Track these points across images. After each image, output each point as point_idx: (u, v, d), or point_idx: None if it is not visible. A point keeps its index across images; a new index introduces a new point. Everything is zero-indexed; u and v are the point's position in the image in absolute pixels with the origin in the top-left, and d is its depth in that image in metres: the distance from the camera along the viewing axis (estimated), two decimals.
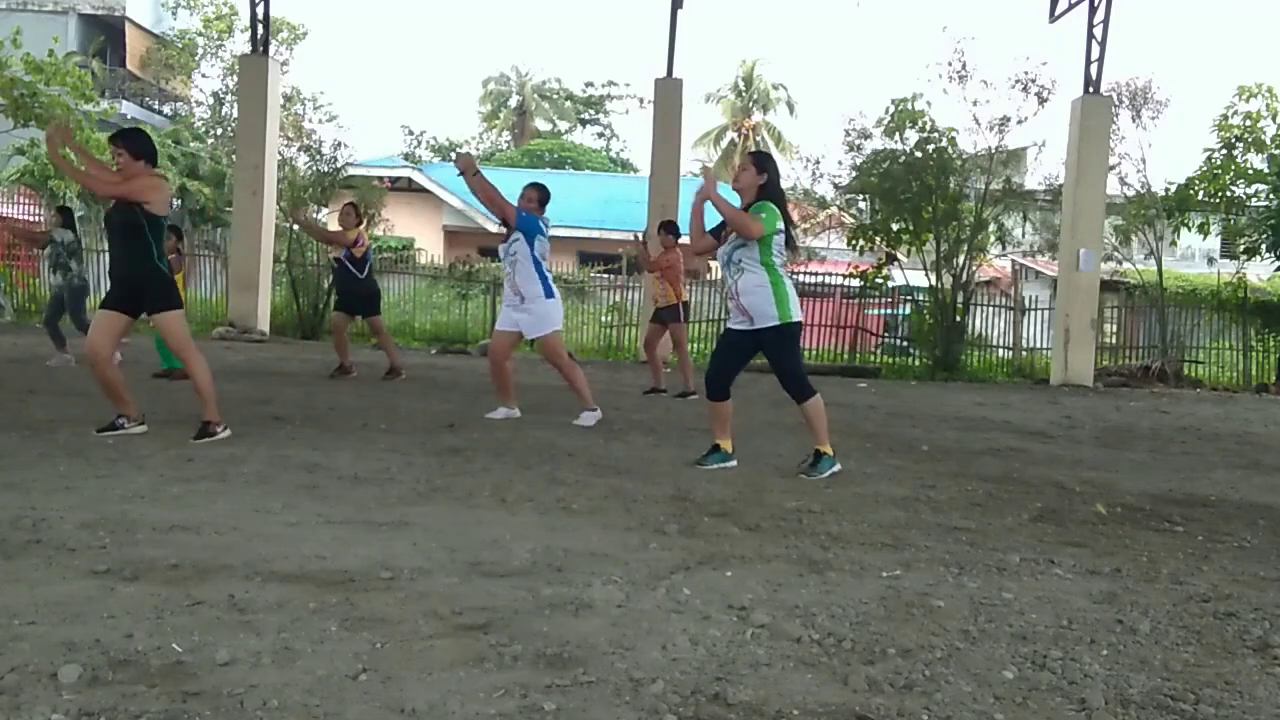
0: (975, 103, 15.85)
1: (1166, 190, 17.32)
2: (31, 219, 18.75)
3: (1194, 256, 25.72)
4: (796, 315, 5.19)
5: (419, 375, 10.44)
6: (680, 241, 9.83)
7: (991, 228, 16.82)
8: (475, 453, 5.33)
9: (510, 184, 8.24)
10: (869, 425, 7.96)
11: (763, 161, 5.30)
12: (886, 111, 16.12)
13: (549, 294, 6.82)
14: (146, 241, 5.27)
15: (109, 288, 5.51)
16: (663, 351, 10.27)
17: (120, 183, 5.31)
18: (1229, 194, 17.09)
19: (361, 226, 9.64)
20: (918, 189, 15.69)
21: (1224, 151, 17.00)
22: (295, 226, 16.66)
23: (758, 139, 38.13)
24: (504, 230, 6.96)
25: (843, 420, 8.27)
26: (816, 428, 5.25)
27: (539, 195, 6.95)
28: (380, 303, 9.97)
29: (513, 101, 45.71)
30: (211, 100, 26.82)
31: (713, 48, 64.54)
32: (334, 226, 11.09)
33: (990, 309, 18.69)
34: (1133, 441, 7.81)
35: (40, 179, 19.77)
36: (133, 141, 5.40)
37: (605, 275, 21.18)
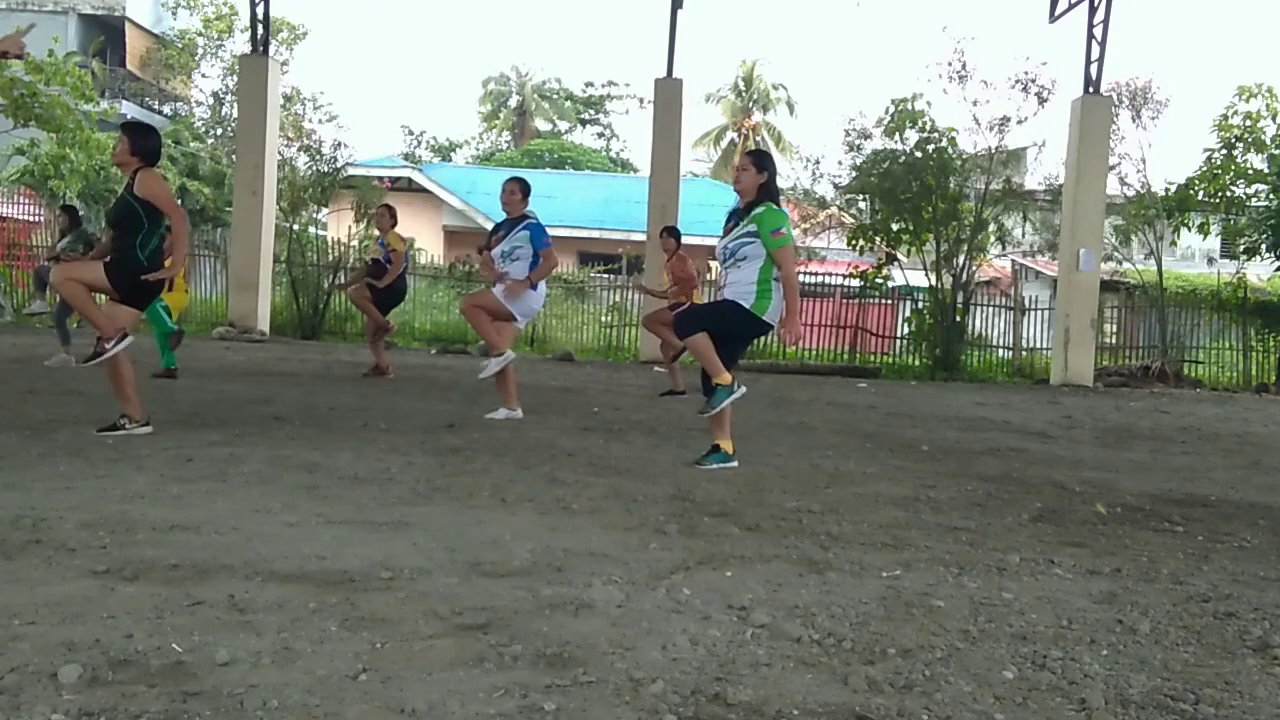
0: (975, 103, 15.88)
1: (1166, 190, 17.31)
2: (31, 219, 18.75)
3: (1194, 256, 25.71)
4: (768, 319, 5.16)
5: (419, 375, 10.45)
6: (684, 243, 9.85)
7: (991, 228, 16.82)
8: (475, 453, 5.33)
9: None
10: (869, 425, 7.96)
11: (762, 160, 5.31)
12: (886, 111, 16.14)
13: (534, 285, 6.81)
14: (138, 235, 5.28)
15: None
16: (654, 352, 10.24)
17: (170, 207, 5.33)
18: (1229, 194, 17.09)
19: (397, 226, 9.73)
20: (918, 189, 15.69)
21: (1224, 151, 17.00)
22: (295, 227, 16.67)
23: (758, 139, 38.11)
24: (499, 233, 6.98)
25: (843, 420, 8.28)
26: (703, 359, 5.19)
27: (522, 188, 6.93)
28: (394, 305, 10.13)
29: (513, 101, 45.71)
30: (211, 100, 26.86)
31: (713, 48, 64.58)
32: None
33: (990, 309, 18.69)
34: (1133, 441, 7.81)
35: (40, 179, 19.74)
36: (136, 138, 5.42)
37: (605, 275, 21.19)
